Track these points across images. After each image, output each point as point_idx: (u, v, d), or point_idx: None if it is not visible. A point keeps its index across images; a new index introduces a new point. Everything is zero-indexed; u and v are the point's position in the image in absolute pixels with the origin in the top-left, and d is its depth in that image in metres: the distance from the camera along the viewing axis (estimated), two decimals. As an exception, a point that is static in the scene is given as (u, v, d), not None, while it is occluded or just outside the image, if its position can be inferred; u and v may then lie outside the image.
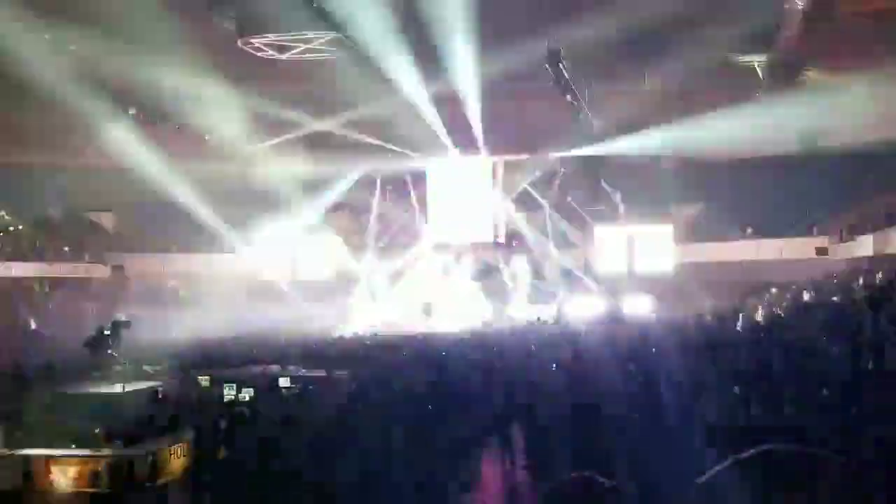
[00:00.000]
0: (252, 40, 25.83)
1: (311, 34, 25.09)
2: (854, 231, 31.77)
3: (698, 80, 32.93)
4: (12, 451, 12.89)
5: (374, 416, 13.63)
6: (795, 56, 29.89)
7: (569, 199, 40.64)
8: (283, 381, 16.96)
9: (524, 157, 40.65)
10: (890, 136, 33.67)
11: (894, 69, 26.89)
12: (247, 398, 15.77)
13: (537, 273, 40.10)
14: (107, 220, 44.16)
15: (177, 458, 13.13)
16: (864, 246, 29.81)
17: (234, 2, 26.58)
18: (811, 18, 26.54)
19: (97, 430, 13.07)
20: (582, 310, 36.09)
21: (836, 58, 31.28)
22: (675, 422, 11.32)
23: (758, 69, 32.52)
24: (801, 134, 36.49)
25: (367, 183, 42.45)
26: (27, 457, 12.69)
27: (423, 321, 36.75)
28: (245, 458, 12.21)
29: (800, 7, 26.01)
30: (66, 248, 39.13)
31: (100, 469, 12.39)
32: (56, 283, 38.23)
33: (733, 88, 33.79)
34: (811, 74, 31.81)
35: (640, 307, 35.13)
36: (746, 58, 32.21)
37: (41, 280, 37.54)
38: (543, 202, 40.98)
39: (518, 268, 40.06)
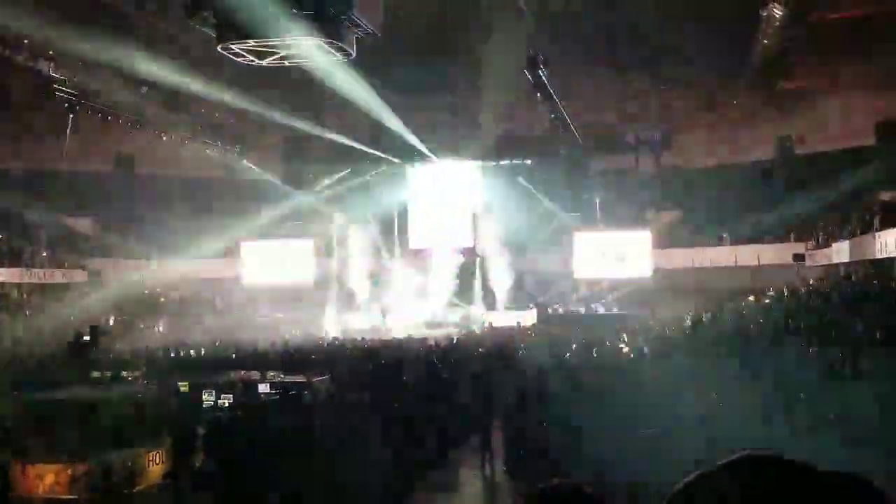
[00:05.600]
0: (232, 46, 25.63)
1: (291, 40, 24.93)
2: (831, 237, 32.02)
3: (678, 88, 33.24)
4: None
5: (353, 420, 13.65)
6: (772, 63, 30.18)
7: (547, 204, 40.70)
8: (263, 387, 16.91)
9: (503, 162, 40.79)
10: (865, 143, 34.15)
11: (869, 75, 27.24)
12: (226, 404, 15.74)
13: (516, 278, 40.23)
14: (85, 225, 43.84)
15: (155, 465, 13.10)
16: (841, 252, 30.03)
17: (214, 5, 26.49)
18: (787, 26, 26.83)
19: (75, 437, 13.01)
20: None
21: (811, 65, 31.66)
22: (652, 429, 11.40)
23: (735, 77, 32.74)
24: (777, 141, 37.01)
25: (348, 188, 42.44)
26: (4, 463, 12.62)
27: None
28: (223, 465, 12.19)
29: (777, 15, 26.27)
30: (45, 254, 38.82)
31: (77, 475, 12.33)
32: (34, 288, 37.93)
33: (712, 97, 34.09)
34: (788, 82, 32.13)
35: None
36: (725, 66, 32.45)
37: (19, 286, 37.23)
38: (524, 207, 41.12)
39: (496, 273, 40.10)
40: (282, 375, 18.38)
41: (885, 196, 29.01)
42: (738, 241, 37.37)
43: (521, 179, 40.49)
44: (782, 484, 1.34)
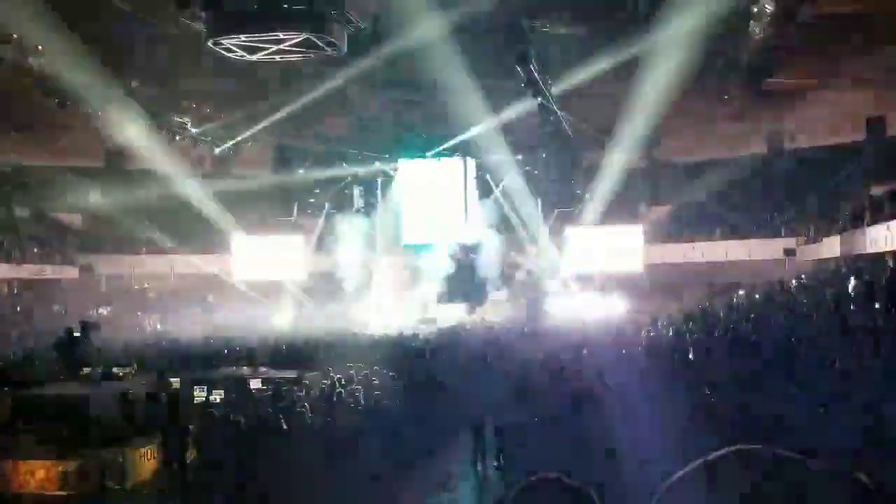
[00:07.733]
0: (222, 41, 25.52)
1: (282, 35, 24.85)
2: (821, 232, 32.08)
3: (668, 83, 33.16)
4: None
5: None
6: (762, 60, 30.16)
7: (540, 199, 40.65)
8: (255, 383, 16.88)
9: (496, 157, 40.71)
10: (855, 138, 34.26)
11: (859, 72, 27.24)
12: (217, 400, 15.71)
13: (508, 273, 40.24)
14: (75, 220, 43.63)
15: (147, 461, 13.06)
16: (831, 247, 30.09)
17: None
18: (778, 22, 26.77)
19: (67, 433, 12.98)
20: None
21: (802, 61, 31.67)
22: (644, 422, 11.45)
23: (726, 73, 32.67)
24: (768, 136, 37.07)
25: (339, 185, 42.37)
26: (-5, 460, 12.58)
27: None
28: (215, 460, 12.18)
29: (768, 11, 26.22)
30: (35, 250, 38.66)
31: (69, 471, 12.31)
32: (24, 284, 37.81)
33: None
34: (778, 77, 32.10)
35: (610, 307, 35.34)
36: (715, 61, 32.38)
37: (10, 282, 37.10)
38: (514, 202, 41.07)
39: (486, 268, 40.05)
40: (273, 371, 18.37)
41: (875, 191, 29.08)
42: (729, 236, 37.49)
43: (513, 174, 40.44)
44: (770, 474, 1.36)
